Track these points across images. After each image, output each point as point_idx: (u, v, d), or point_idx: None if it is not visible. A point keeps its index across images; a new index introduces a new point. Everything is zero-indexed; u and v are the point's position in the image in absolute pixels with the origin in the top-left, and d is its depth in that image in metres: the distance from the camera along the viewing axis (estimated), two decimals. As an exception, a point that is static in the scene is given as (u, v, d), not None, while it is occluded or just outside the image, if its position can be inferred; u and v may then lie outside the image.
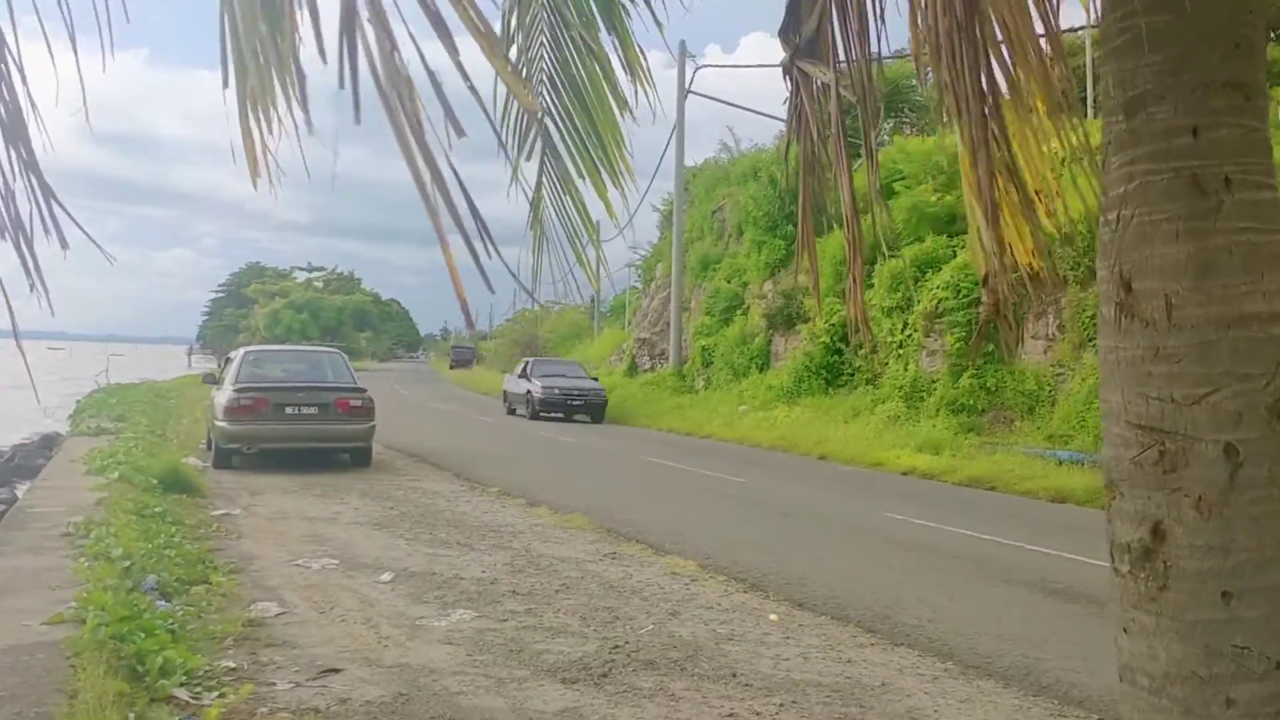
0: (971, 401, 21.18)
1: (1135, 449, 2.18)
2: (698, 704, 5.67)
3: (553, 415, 29.29)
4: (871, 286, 24.79)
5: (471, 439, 23.27)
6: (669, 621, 7.48)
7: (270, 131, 2.03)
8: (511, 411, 31.59)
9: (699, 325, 33.00)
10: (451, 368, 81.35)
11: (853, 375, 24.69)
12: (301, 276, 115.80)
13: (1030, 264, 3.05)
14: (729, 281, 32.17)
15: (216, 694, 5.44)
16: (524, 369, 31.49)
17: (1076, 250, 20.93)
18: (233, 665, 6.00)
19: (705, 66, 42.96)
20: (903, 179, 26.42)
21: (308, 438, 16.08)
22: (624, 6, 4.19)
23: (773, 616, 7.71)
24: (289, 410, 15.84)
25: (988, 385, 21.31)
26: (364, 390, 16.56)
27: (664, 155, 35.09)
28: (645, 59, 4.00)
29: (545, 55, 3.97)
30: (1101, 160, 2.37)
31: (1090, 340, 20.38)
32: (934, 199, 24.95)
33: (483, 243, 1.64)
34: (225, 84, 2.08)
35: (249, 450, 15.72)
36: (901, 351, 23.45)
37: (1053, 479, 15.77)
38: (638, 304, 47.66)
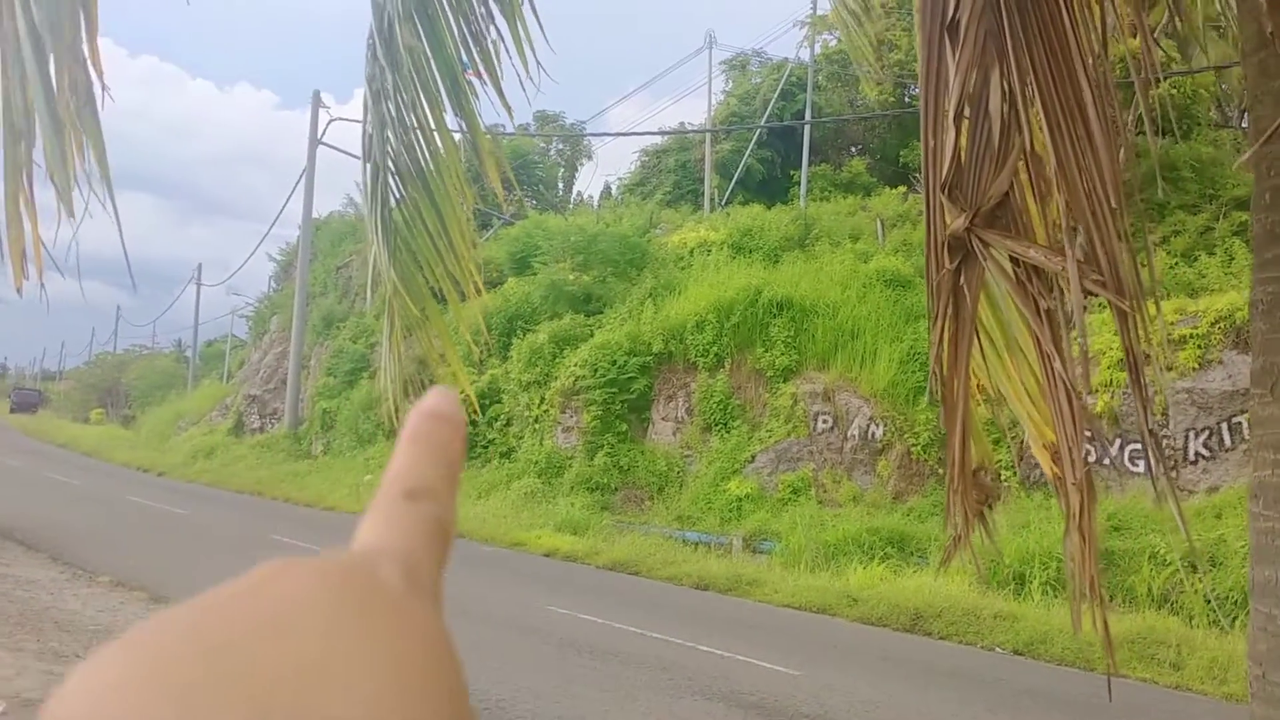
0: (606, 480, 21.36)
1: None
2: None
3: None
4: (509, 360, 24.60)
5: (60, 507, 20.42)
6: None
7: None
8: None
9: (320, 386, 31.26)
10: (12, 411, 72.60)
11: (486, 448, 24.22)
12: None
13: (1051, 463, 2.64)
14: (355, 342, 30.79)
15: None
16: None
17: (707, 338, 21.89)
18: None
19: (341, 120, 41.06)
20: (540, 254, 26.58)
21: None
22: (470, 85, 3.68)
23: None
24: None
25: (621, 464, 21.60)
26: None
27: (287, 203, 33.28)
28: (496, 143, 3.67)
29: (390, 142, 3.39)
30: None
31: (716, 425, 21.28)
32: (572, 277, 25.26)
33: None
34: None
35: None
36: (538, 427, 23.32)
37: (691, 564, 16.04)
38: (244, 357, 44.65)
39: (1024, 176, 2.05)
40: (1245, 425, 14.55)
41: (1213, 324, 15.73)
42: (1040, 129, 1.96)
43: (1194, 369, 15.55)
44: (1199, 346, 15.57)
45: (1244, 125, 20.50)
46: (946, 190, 2.06)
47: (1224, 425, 15.21)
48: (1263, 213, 2.20)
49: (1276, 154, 2.17)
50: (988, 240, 2.03)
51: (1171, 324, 15.77)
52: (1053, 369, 1.96)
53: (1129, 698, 9.90)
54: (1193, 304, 16.31)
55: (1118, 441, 15.62)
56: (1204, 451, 15.36)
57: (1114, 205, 1.87)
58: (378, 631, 0.32)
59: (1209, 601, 12.81)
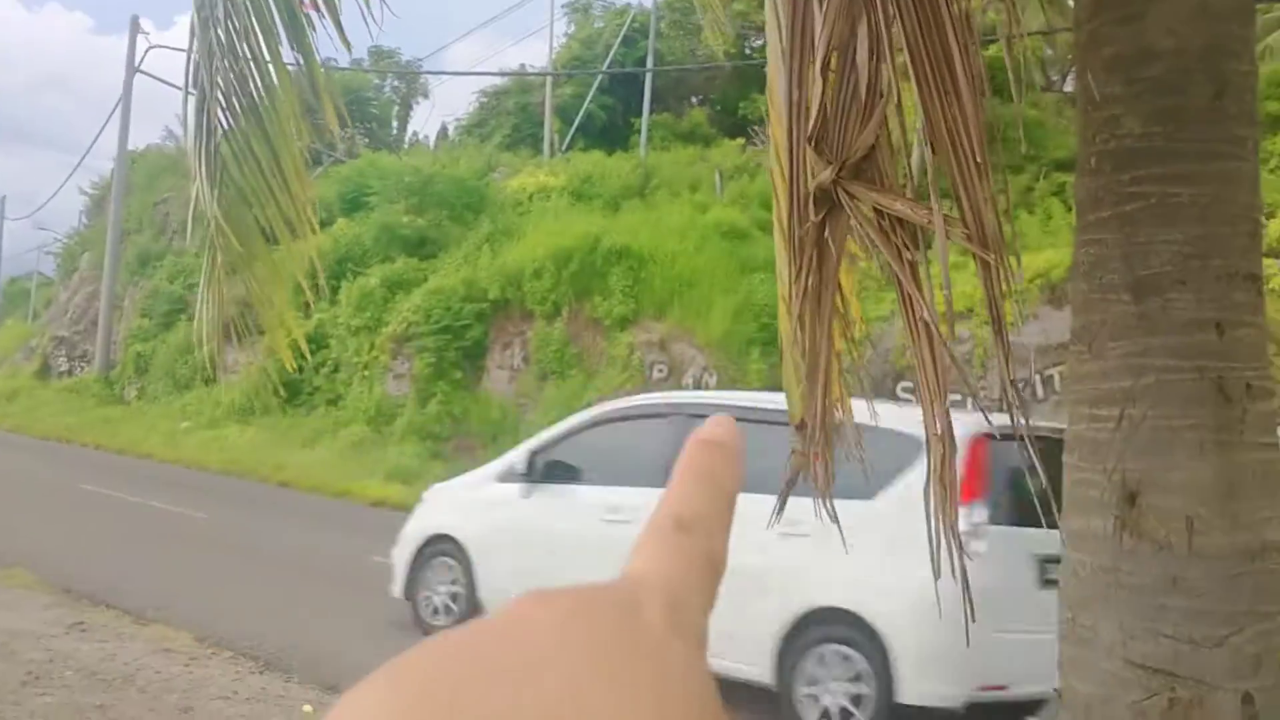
0: (438, 428, 21.04)
1: (1138, 693, 1.85)
2: None
3: None
4: (337, 304, 23.87)
5: None
6: (182, 721, 6.29)
7: None
8: None
9: (134, 328, 29.74)
10: None
11: (313, 395, 23.52)
12: None
13: (838, 409, 2.66)
14: (172, 282, 29.35)
15: None
16: None
17: (545, 285, 21.70)
18: None
19: (160, 48, 38.57)
20: (373, 194, 25.83)
21: None
22: (308, 18, 3.42)
23: (306, 708, 6.77)
24: None
25: (454, 412, 21.28)
26: None
27: (100, 134, 31.40)
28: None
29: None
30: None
31: (553, 373, 21.17)
32: (406, 220, 24.64)
33: None
34: None
35: None
36: (367, 374, 22.74)
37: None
38: (52, 296, 42.17)
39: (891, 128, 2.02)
40: (1057, 378, 15.26)
41: (1030, 280, 16.38)
42: (907, 81, 1.94)
43: (1012, 324, 16.14)
44: (1017, 302, 16.17)
45: (1067, 89, 21.38)
46: (814, 142, 2.00)
47: (1038, 378, 15.90)
48: (1087, 177, 2.20)
49: (1101, 121, 2.17)
50: (854, 192, 1.98)
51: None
52: (917, 321, 1.94)
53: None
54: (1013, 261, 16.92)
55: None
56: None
57: (979, 159, 1.85)
58: (635, 677, 0.30)
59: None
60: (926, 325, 1.93)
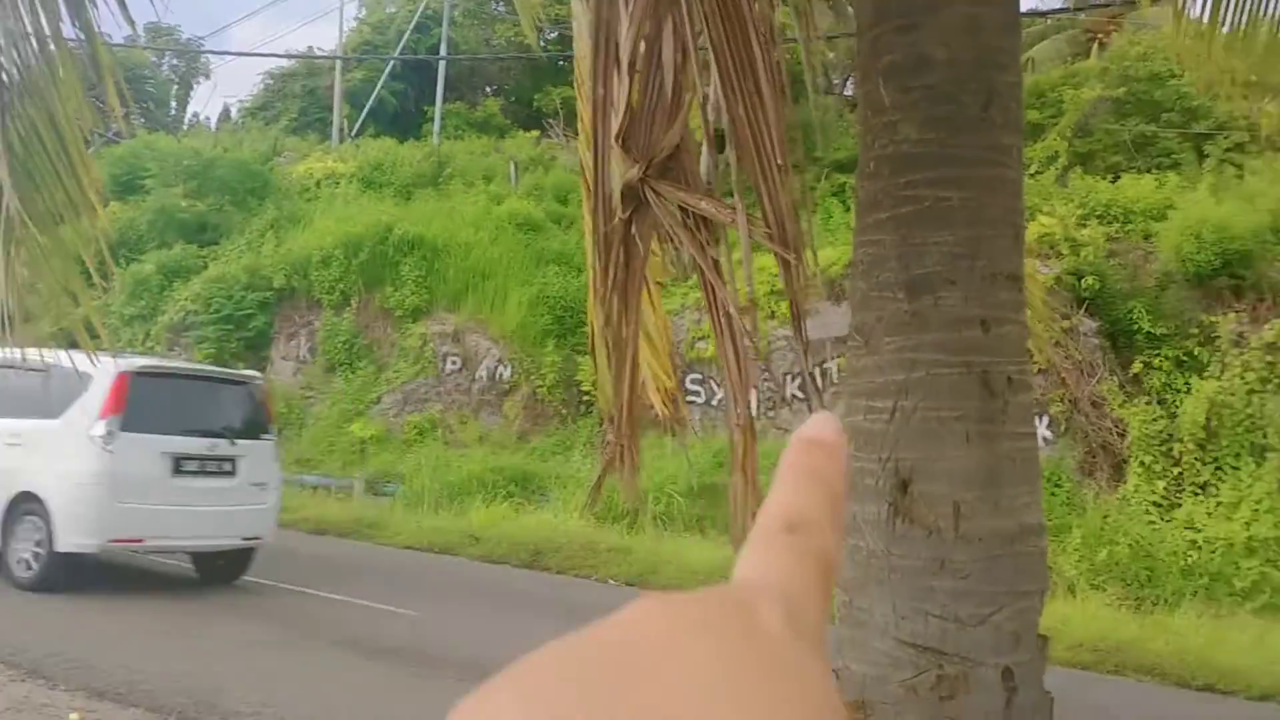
0: (221, 422, 20.16)
1: (909, 671, 1.95)
2: None
3: None
4: (109, 291, 22.56)
5: None
6: (-68, 739, 5.85)
7: None
8: None
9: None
10: None
11: (82, 387, 22.15)
12: None
13: (663, 405, 2.69)
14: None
15: None
16: None
17: (333, 274, 21.09)
18: None
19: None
20: (150, 176, 24.53)
21: None
22: None
23: (73, 715, 6.39)
24: None
25: (237, 405, 20.44)
26: None
27: None
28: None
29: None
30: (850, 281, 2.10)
31: (341, 365, 20.61)
32: (184, 204, 23.52)
33: None
34: None
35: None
36: (142, 364, 21.60)
37: (310, 508, 15.60)
38: None
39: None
40: (834, 370, 15.89)
41: (810, 277, 16.98)
42: (713, 82, 1.96)
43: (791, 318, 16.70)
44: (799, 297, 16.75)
45: (847, 93, 22.28)
46: (621, 140, 2.01)
47: (816, 370, 16.51)
48: (866, 180, 2.29)
49: (881, 126, 2.26)
50: (660, 191, 1.99)
51: (775, 275, 16.86)
52: (720, 316, 1.98)
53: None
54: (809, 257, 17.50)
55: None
56: (799, 394, 16.61)
57: (781, 161, 1.90)
58: (756, 679, 0.30)
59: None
60: (730, 318, 1.97)
